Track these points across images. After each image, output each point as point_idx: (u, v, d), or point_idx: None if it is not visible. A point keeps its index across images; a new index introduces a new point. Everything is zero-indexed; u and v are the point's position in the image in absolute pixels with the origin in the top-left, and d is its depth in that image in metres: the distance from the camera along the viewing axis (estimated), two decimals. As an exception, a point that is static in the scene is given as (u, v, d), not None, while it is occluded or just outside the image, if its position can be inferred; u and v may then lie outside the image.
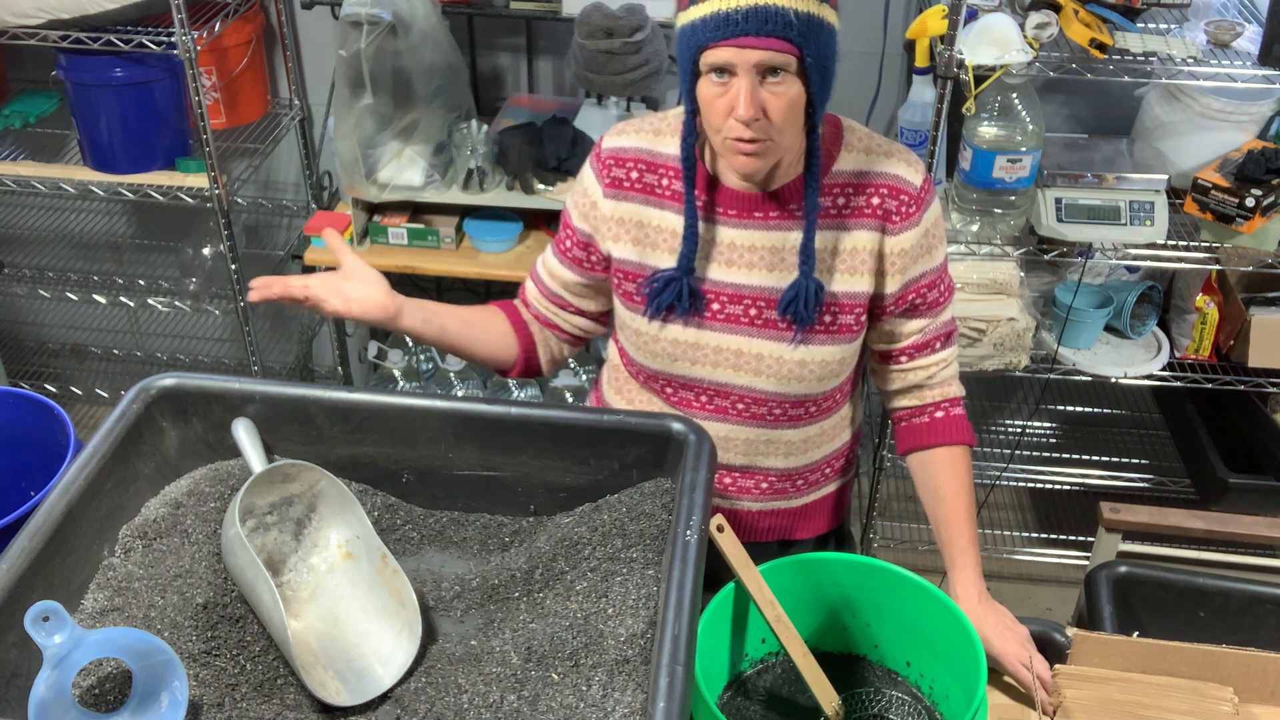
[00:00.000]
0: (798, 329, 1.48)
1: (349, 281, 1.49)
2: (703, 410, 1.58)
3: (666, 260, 1.51)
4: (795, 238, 1.47)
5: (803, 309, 1.45)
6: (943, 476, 1.58)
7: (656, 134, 1.52)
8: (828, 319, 1.50)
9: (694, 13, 1.31)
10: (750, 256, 1.49)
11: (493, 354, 1.64)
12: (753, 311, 1.50)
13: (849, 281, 1.49)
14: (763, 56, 1.29)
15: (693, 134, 1.44)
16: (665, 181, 1.50)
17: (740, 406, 1.56)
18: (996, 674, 1.49)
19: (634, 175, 1.52)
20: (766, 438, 1.59)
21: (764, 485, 1.65)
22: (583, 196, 1.57)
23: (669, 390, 1.59)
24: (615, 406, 1.67)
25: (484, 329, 1.63)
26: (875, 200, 1.47)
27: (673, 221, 1.50)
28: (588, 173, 1.56)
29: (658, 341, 1.54)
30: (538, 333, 1.67)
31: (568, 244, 1.60)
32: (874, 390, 3.03)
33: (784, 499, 1.67)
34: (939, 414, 1.59)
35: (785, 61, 1.30)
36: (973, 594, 1.52)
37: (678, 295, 1.48)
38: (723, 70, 1.31)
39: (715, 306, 1.51)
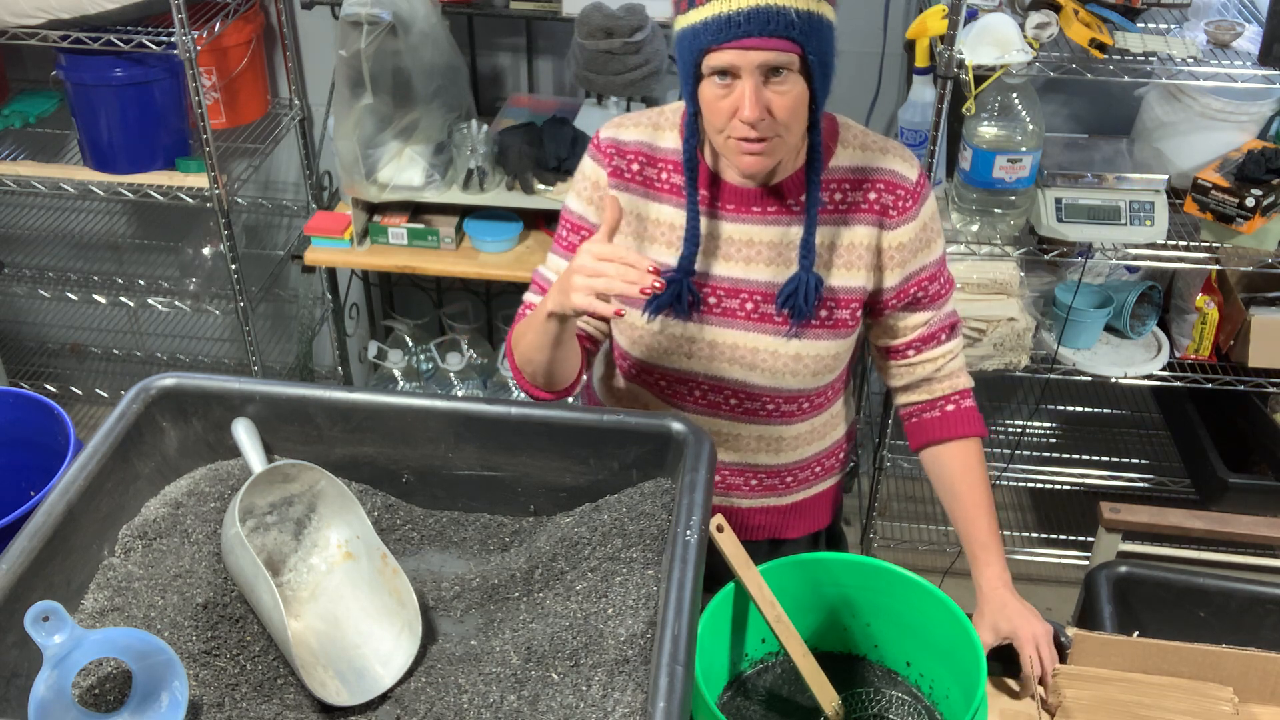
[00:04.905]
0: (794, 322, 1.48)
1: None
2: (695, 405, 1.58)
3: (663, 254, 1.51)
4: (794, 232, 1.47)
5: (802, 302, 1.46)
6: (957, 472, 1.58)
7: (655, 128, 1.52)
8: (824, 313, 1.50)
9: (694, 16, 1.30)
10: (748, 251, 1.49)
11: (577, 364, 1.54)
12: (749, 305, 1.50)
13: (846, 276, 1.50)
14: (766, 57, 1.29)
15: (695, 135, 1.43)
16: (664, 175, 1.50)
17: (734, 402, 1.56)
18: (997, 673, 1.49)
19: (634, 168, 1.51)
20: (758, 434, 1.59)
21: (754, 482, 1.65)
22: (584, 181, 1.54)
23: (663, 384, 1.59)
24: (601, 404, 1.67)
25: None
26: (872, 195, 1.48)
27: (670, 215, 1.50)
28: (588, 162, 1.54)
29: (653, 335, 1.54)
30: None
31: (575, 240, 1.55)
32: (874, 390, 3.05)
33: (775, 495, 1.67)
34: (949, 407, 1.60)
35: (788, 61, 1.29)
36: (998, 585, 1.51)
37: (676, 296, 1.48)
38: (726, 72, 1.31)
39: (712, 301, 1.51)
